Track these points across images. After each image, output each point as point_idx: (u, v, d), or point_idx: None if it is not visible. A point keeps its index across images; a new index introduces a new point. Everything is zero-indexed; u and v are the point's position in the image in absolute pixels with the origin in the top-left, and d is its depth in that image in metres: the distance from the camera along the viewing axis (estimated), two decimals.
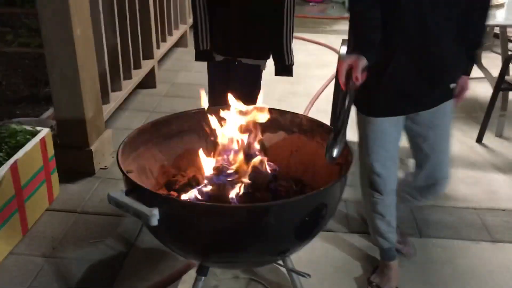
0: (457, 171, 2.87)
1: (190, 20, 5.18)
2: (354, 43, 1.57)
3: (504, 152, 3.18)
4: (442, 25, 1.61)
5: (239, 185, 1.44)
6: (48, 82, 4.11)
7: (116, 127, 3.33)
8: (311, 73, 4.48)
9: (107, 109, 3.10)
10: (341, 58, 2.92)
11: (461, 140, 3.30)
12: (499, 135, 3.37)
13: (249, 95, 2.20)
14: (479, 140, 3.29)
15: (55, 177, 2.55)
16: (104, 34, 3.04)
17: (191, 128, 1.63)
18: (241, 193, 1.44)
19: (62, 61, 2.54)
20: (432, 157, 1.88)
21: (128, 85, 3.51)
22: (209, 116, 1.58)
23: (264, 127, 1.58)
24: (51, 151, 2.49)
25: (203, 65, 2.54)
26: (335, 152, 1.41)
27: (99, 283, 2.05)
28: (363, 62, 1.50)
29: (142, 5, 3.74)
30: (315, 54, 5.02)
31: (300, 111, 3.78)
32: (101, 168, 2.85)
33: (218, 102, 2.38)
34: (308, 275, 1.54)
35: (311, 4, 7.25)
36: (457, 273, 2.14)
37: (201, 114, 1.67)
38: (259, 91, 2.47)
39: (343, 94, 1.49)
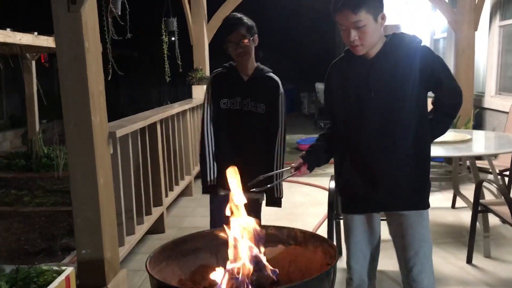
0: None
1: (193, 172, 5.70)
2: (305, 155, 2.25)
3: (494, 271, 3.37)
4: (374, 133, 2.06)
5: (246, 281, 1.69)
6: (63, 235, 4.48)
7: (129, 268, 3.57)
8: (307, 211, 4.83)
9: (122, 251, 3.37)
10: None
11: (452, 262, 3.53)
12: (487, 255, 3.59)
13: None
14: (469, 261, 3.50)
15: None
16: (122, 184, 3.46)
17: (204, 247, 1.92)
18: None
19: (86, 206, 2.90)
20: (409, 256, 2.12)
21: (140, 230, 3.83)
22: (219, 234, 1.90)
23: (265, 242, 1.87)
24: None
25: (207, 211, 2.89)
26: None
27: None
28: (305, 169, 2.21)
29: (153, 160, 4.25)
30: (310, 194, 5.43)
31: None
32: None
33: None
34: None
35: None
36: None
37: (212, 235, 1.99)
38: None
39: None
